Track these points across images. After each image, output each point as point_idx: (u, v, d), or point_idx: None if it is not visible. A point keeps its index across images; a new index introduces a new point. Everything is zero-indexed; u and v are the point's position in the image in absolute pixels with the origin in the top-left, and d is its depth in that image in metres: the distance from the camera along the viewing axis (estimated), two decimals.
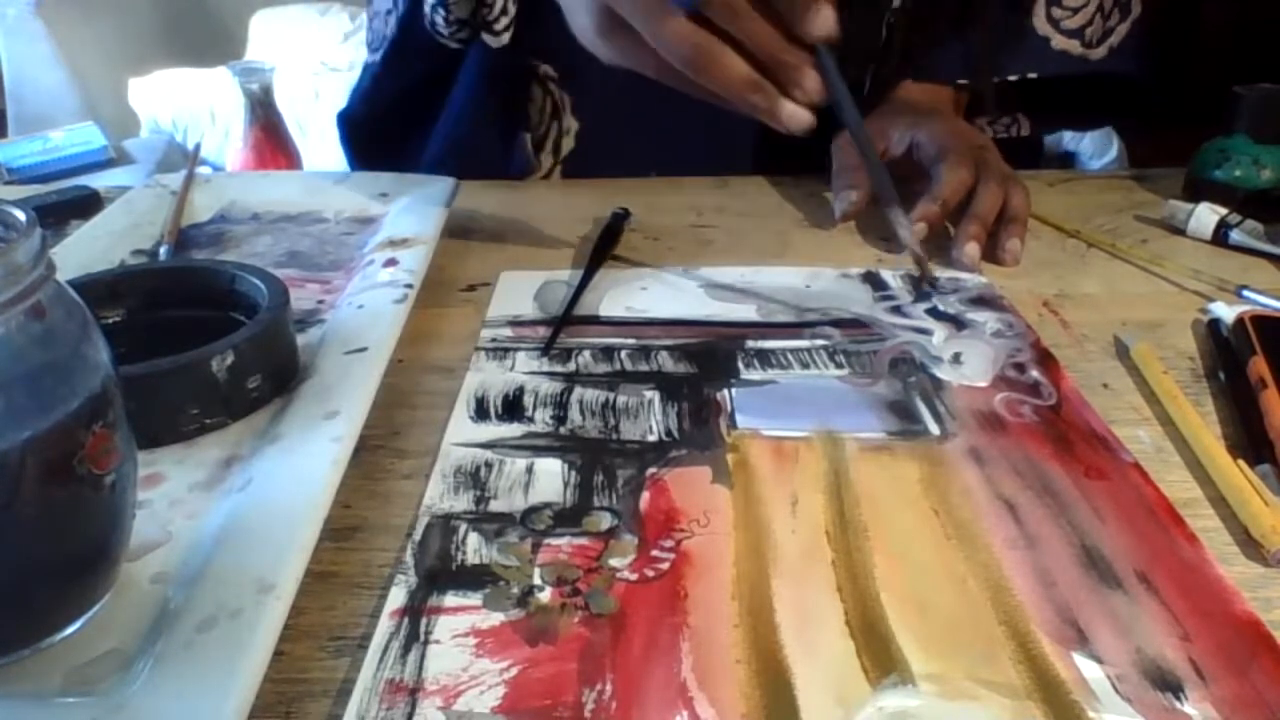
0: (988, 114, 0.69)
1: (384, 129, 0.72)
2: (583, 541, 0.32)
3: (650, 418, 0.39)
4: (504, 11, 0.61)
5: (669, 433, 0.39)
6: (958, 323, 0.47)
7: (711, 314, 0.48)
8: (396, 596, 0.30)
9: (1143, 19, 0.67)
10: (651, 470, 0.36)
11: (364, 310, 0.45)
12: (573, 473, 0.36)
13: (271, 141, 1.03)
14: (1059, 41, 0.66)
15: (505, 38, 0.63)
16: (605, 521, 0.33)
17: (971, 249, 0.53)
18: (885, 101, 0.67)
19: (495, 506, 0.34)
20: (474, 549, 0.32)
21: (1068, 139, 1.46)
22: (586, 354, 0.44)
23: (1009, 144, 0.70)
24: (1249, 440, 0.38)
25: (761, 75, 0.41)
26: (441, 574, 0.31)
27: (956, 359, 0.44)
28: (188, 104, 2.21)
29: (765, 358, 0.44)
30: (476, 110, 0.67)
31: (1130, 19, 0.67)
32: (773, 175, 0.68)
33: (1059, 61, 0.67)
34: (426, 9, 0.64)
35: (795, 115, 0.42)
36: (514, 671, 0.27)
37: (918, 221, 0.54)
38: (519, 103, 0.67)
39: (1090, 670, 0.28)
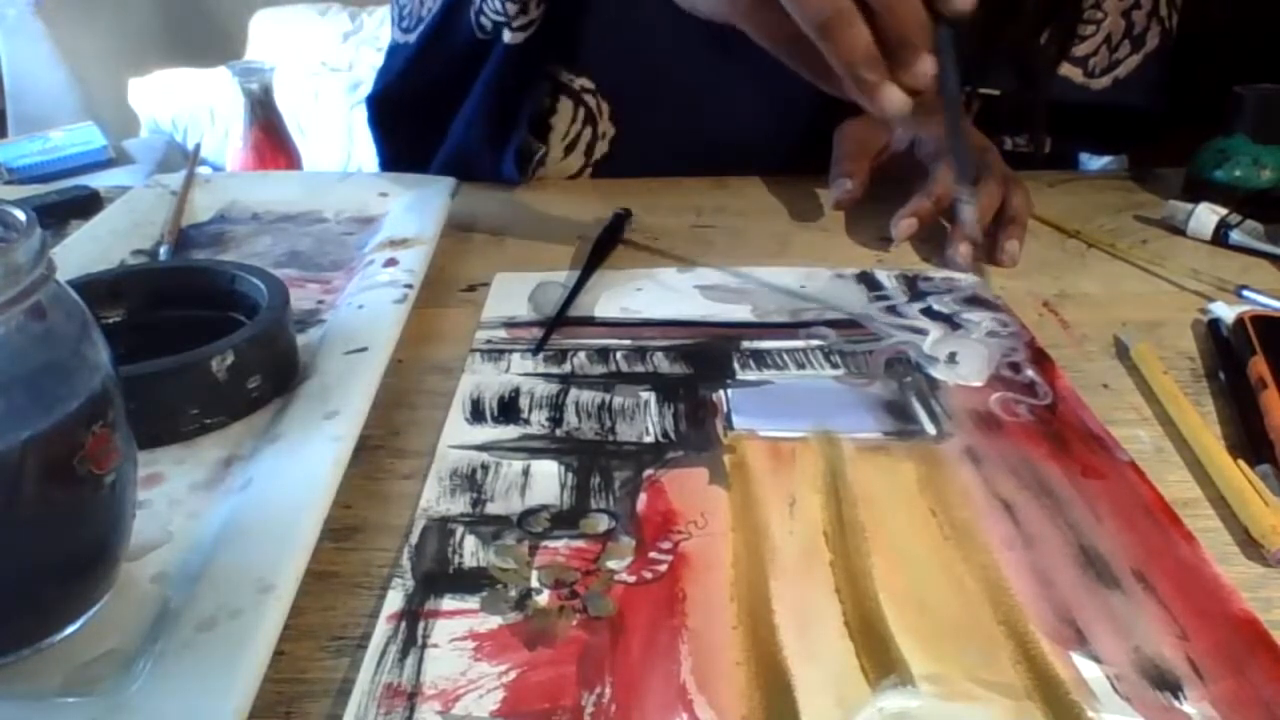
0: (1036, 130, 0.69)
1: (417, 113, 0.71)
2: (580, 544, 0.33)
3: (646, 419, 0.39)
4: (524, 10, 0.60)
5: (665, 434, 0.39)
6: (952, 322, 0.47)
7: (707, 314, 0.48)
8: (394, 600, 0.30)
9: (1159, 52, 0.66)
10: (648, 472, 0.36)
11: (364, 310, 0.45)
12: (569, 475, 0.36)
13: (271, 141, 1.03)
14: (1062, 67, 0.66)
15: (520, 36, 0.61)
16: (603, 523, 0.33)
17: (965, 249, 0.53)
18: None
19: (492, 509, 0.34)
20: (471, 552, 0.32)
21: None
22: (582, 355, 0.44)
23: (1034, 159, 0.70)
24: (1249, 440, 0.38)
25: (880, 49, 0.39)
26: (439, 577, 0.31)
27: (952, 359, 0.44)
28: (188, 104, 2.21)
29: (761, 358, 0.44)
30: (476, 111, 0.67)
31: (1143, 52, 0.66)
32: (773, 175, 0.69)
33: (1060, 87, 0.66)
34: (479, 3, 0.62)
35: (894, 100, 0.40)
36: (512, 675, 0.27)
37: (909, 216, 0.54)
38: (521, 109, 0.67)
39: (1089, 670, 0.28)
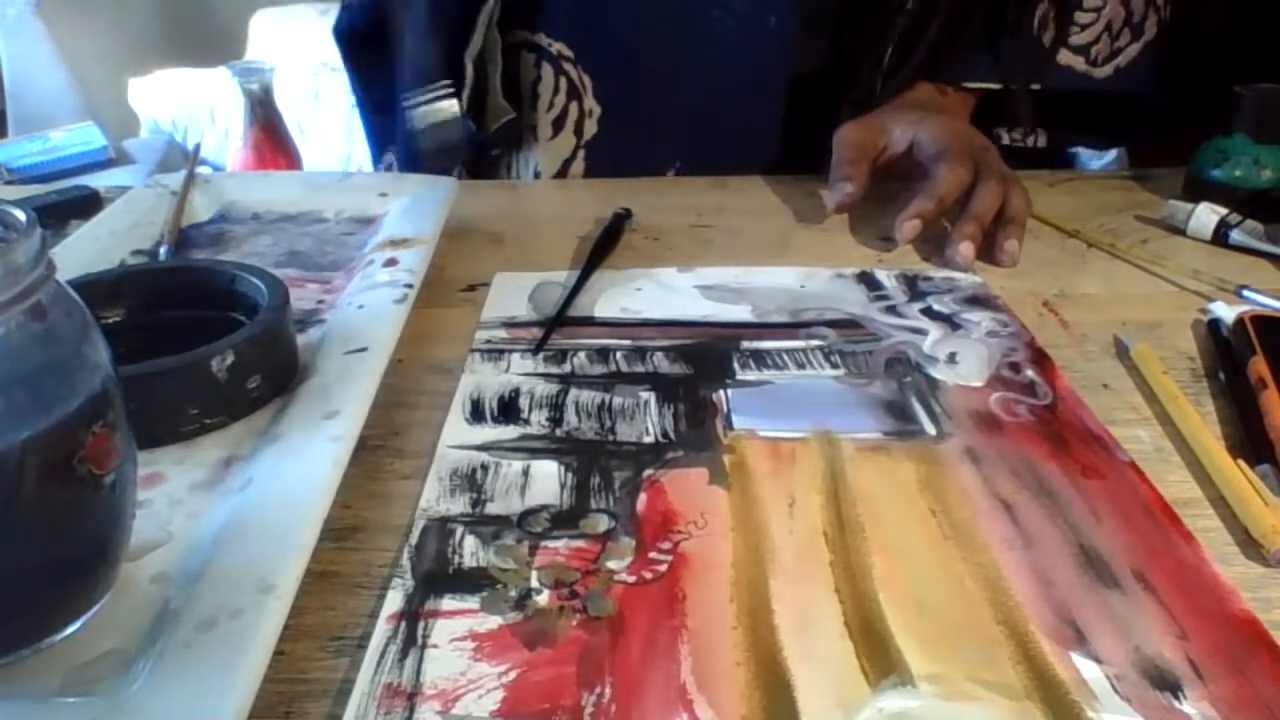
0: (1022, 123, 0.69)
1: (377, 32, 0.70)
2: (580, 544, 0.33)
3: (646, 419, 0.39)
4: None
5: (665, 434, 0.39)
6: (952, 323, 0.47)
7: (706, 314, 0.48)
8: (393, 600, 0.30)
9: (1157, 41, 0.67)
10: (648, 472, 0.36)
11: (364, 310, 0.45)
12: (569, 475, 0.36)
13: (271, 141, 1.03)
14: (1064, 56, 0.66)
15: None
16: (602, 524, 0.33)
17: (966, 248, 0.53)
18: (893, 100, 0.67)
19: (492, 509, 0.34)
20: (471, 552, 0.32)
21: None
22: (582, 355, 0.44)
23: (1031, 154, 0.70)
24: (1249, 440, 0.38)
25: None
26: (439, 577, 0.31)
27: (951, 359, 0.44)
28: (188, 104, 2.21)
29: (761, 358, 0.44)
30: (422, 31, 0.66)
31: (1143, 41, 0.67)
32: (774, 174, 0.69)
33: (1062, 76, 0.66)
34: None
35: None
36: (512, 675, 0.27)
37: (911, 218, 0.55)
38: (455, 55, 0.66)
39: (1089, 670, 0.28)
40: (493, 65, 0.68)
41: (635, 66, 0.68)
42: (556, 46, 0.67)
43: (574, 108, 0.69)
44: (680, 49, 0.67)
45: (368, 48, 0.72)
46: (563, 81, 0.68)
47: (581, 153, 0.70)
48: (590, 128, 0.69)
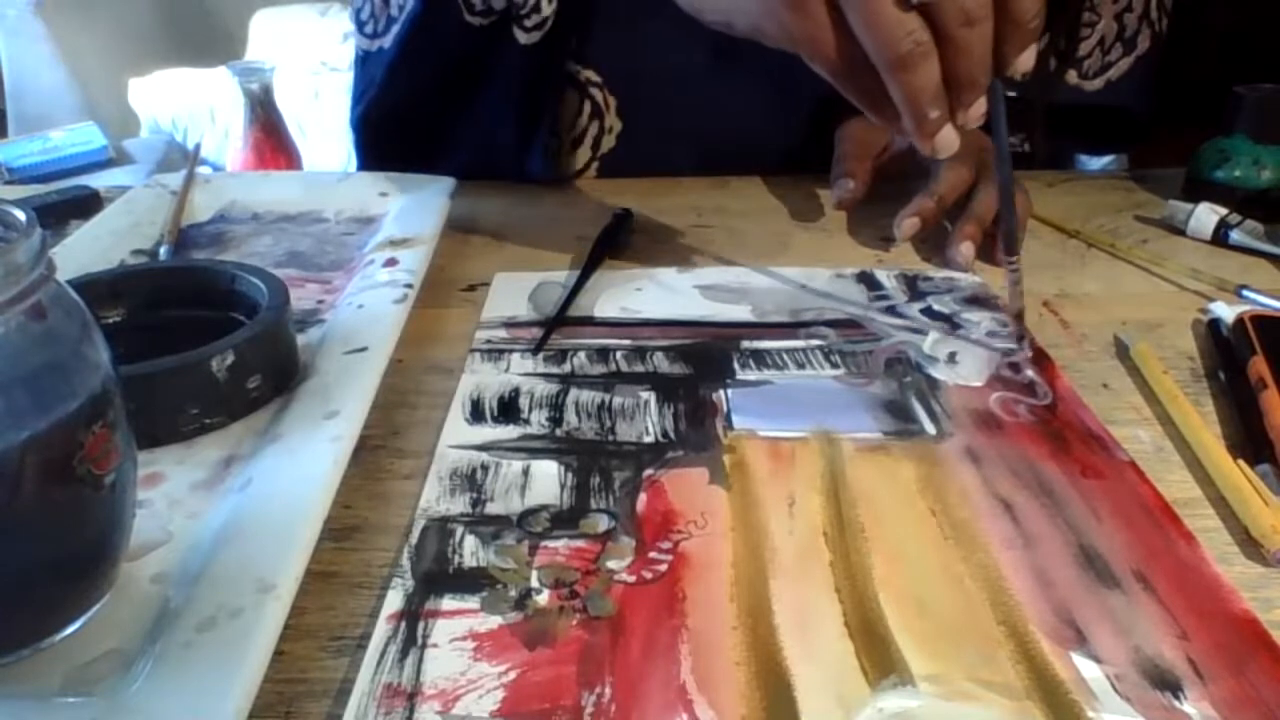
0: (1032, 131, 0.69)
1: (413, 122, 0.69)
2: (580, 544, 0.33)
3: (646, 419, 0.39)
4: (536, 9, 0.60)
5: (665, 434, 0.39)
6: (952, 322, 0.47)
7: (706, 314, 0.48)
8: (393, 600, 0.30)
9: (1149, 55, 0.67)
10: (648, 472, 0.36)
11: (364, 310, 0.45)
12: (569, 475, 0.36)
13: (271, 141, 1.03)
14: (1055, 66, 0.66)
15: (536, 35, 0.61)
16: (602, 523, 0.33)
17: (966, 248, 0.53)
18: None
19: (492, 509, 0.34)
20: (471, 552, 0.32)
21: None
22: (582, 355, 0.44)
23: (1022, 158, 0.70)
24: (1249, 440, 0.38)
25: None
26: (439, 577, 0.31)
27: (951, 359, 0.44)
28: (188, 104, 2.21)
29: (761, 358, 0.44)
30: (498, 112, 0.66)
31: (1135, 54, 0.67)
32: (774, 174, 0.69)
33: (1054, 87, 0.67)
34: None
35: (949, 140, 0.39)
36: (512, 675, 0.27)
37: (912, 215, 0.55)
38: (545, 107, 0.66)
39: (1089, 670, 0.28)
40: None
41: (666, 89, 0.67)
42: (585, 74, 0.67)
43: (595, 125, 0.69)
44: (714, 72, 0.66)
45: (393, 131, 0.70)
46: (587, 105, 0.68)
47: (596, 164, 0.70)
48: (608, 142, 0.69)
